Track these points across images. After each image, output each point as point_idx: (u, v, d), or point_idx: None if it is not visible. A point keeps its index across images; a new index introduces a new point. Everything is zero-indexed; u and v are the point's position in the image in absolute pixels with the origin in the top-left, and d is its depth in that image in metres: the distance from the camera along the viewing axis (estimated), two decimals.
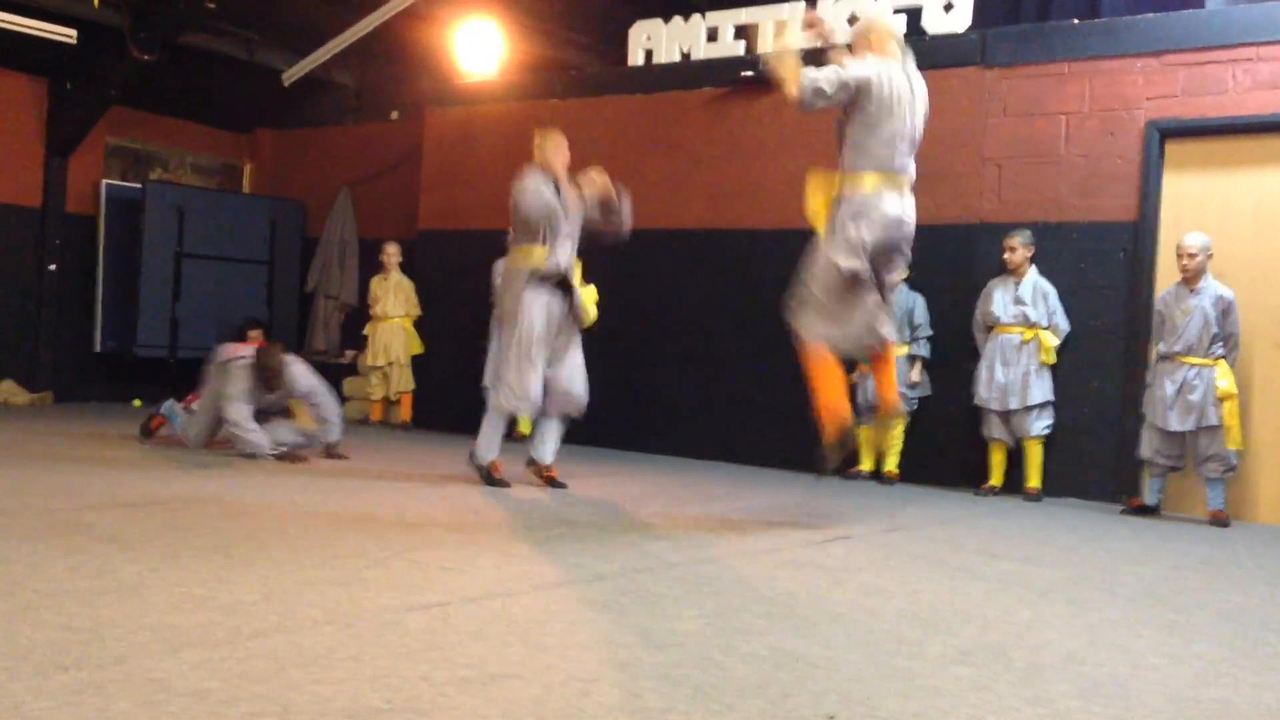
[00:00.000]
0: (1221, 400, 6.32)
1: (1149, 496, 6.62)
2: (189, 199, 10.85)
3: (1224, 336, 6.42)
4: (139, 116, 11.05)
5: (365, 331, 10.03)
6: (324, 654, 2.69)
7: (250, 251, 11.16)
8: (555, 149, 6.28)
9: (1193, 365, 6.41)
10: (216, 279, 10.89)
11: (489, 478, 6.17)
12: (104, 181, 10.76)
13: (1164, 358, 6.52)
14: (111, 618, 2.91)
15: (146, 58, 9.49)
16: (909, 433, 7.60)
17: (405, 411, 9.97)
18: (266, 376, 6.81)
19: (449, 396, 9.72)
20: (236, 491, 5.40)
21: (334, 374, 10.80)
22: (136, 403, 10.60)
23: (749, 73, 8.44)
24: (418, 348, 9.89)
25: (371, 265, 10.39)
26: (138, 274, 10.40)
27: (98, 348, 10.66)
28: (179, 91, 10.93)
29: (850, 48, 5.44)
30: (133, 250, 10.48)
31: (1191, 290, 6.46)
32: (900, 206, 5.24)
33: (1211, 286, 6.45)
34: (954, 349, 7.53)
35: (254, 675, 2.49)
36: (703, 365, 8.60)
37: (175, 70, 10.26)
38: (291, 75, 10.87)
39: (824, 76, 5.08)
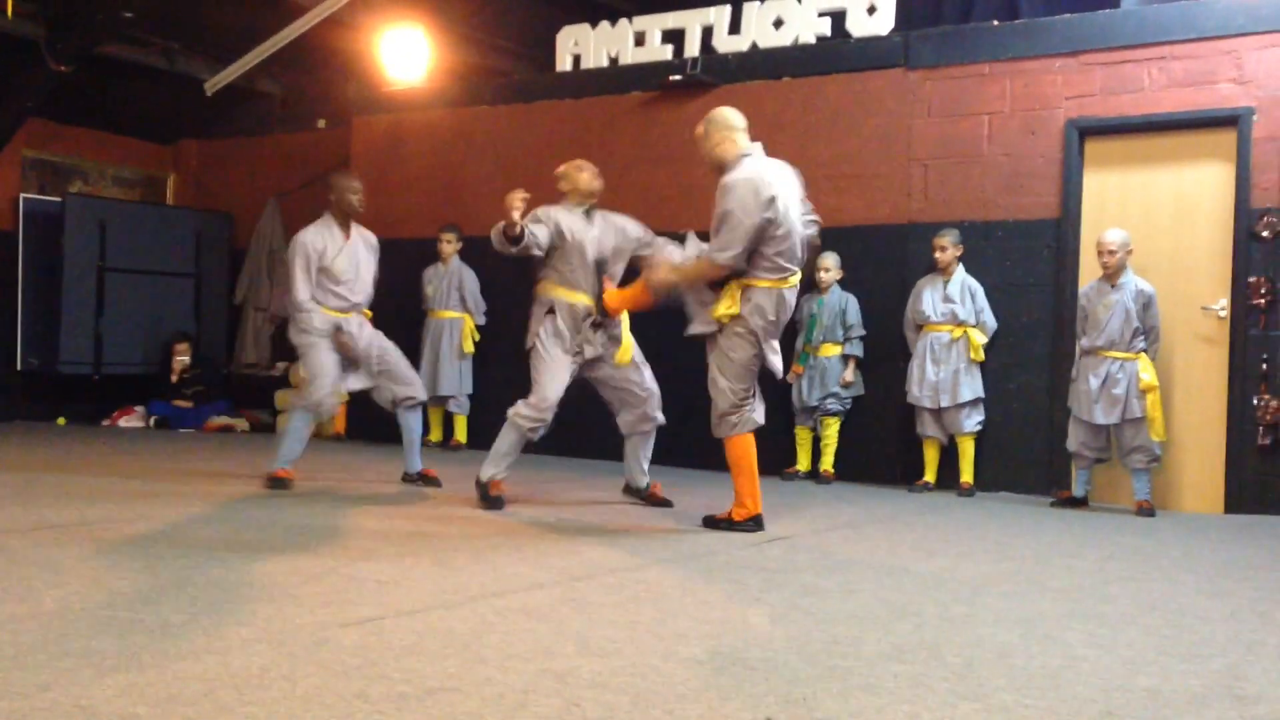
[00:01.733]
0: (1144, 392, 6.47)
1: (1077, 488, 6.75)
2: (111, 212, 10.65)
3: (1145, 330, 6.57)
4: (57, 129, 10.81)
5: None
6: (256, 674, 2.64)
7: (176, 264, 10.98)
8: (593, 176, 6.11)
9: (1115, 359, 6.54)
10: (141, 293, 10.69)
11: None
12: (22, 196, 10.51)
13: (1087, 352, 6.65)
14: (35, 644, 2.83)
15: (63, 69, 9.28)
16: (844, 432, 7.67)
17: (339, 423, 9.85)
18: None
19: (382, 407, 9.59)
20: (164, 512, 5.29)
21: (265, 387, 10.67)
22: (61, 421, 10.37)
23: (678, 76, 8.47)
24: None
25: None
26: (59, 289, 10.18)
27: (19, 366, 10.40)
28: (98, 103, 10.72)
29: (702, 146, 5.41)
30: (53, 265, 10.26)
31: (1113, 285, 6.60)
32: (794, 296, 5.37)
33: (1132, 281, 6.59)
34: (887, 348, 7.62)
35: (183, 699, 2.44)
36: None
37: (94, 81, 10.06)
38: (214, 84, 10.69)
39: (734, 238, 5.05)
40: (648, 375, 6.00)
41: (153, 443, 8.89)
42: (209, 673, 2.64)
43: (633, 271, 5.99)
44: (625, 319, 5.94)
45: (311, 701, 2.45)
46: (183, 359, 10.60)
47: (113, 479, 6.47)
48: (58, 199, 10.50)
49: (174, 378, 10.55)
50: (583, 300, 5.79)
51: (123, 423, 10.33)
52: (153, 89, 10.74)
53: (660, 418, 6.06)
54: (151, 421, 10.32)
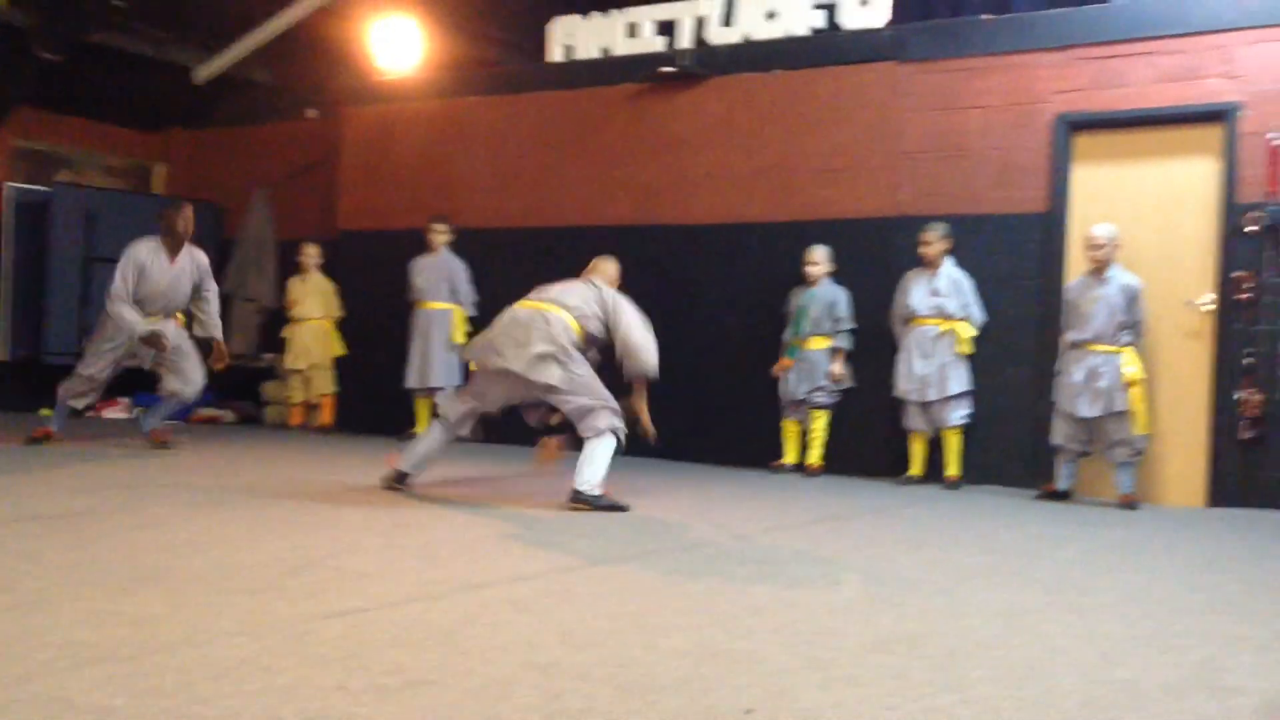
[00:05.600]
0: (1128, 386, 6.49)
1: (1062, 482, 6.77)
2: (98, 201, 10.58)
3: (1130, 324, 6.59)
4: (46, 117, 10.75)
5: (284, 334, 9.88)
6: (235, 666, 2.64)
7: None
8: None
9: (1101, 353, 6.56)
10: None
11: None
12: (8, 184, 10.44)
13: (1073, 345, 6.67)
14: (14, 635, 2.83)
15: (53, 58, 9.23)
16: (832, 425, 7.68)
17: (326, 415, 9.84)
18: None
19: (371, 399, 9.61)
20: (147, 504, 5.28)
21: (252, 378, 10.64)
22: (45, 412, 10.33)
23: (670, 68, 8.46)
24: (339, 349, 9.77)
25: (290, 267, 10.23)
26: (45, 279, 10.12)
27: (5, 356, 10.35)
28: (87, 92, 10.66)
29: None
30: (40, 254, 10.20)
31: (1099, 280, 6.61)
32: None
33: (1119, 276, 6.61)
34: (875, 341, 7.63)
35: (162, 690, 2.43)
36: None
37: (83, 70, 10.00)
38: (204, 74, 10.65)
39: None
40: None
41: (138, 434, 8.86)
42: (188, 664, 2.63)
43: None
44: None
45: (291, 693, 2.45)
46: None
47: (96, 470, 6.46)
48: (45, 188, 10.44)
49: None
50: None
51: (108, 414, 10.29)
52: (142, 78, 10.69)
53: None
54: (137, 412, 10.28)
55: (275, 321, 10.51)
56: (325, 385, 9.77)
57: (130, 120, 11.55)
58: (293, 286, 9.91)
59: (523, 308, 5.83)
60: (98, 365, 7.46)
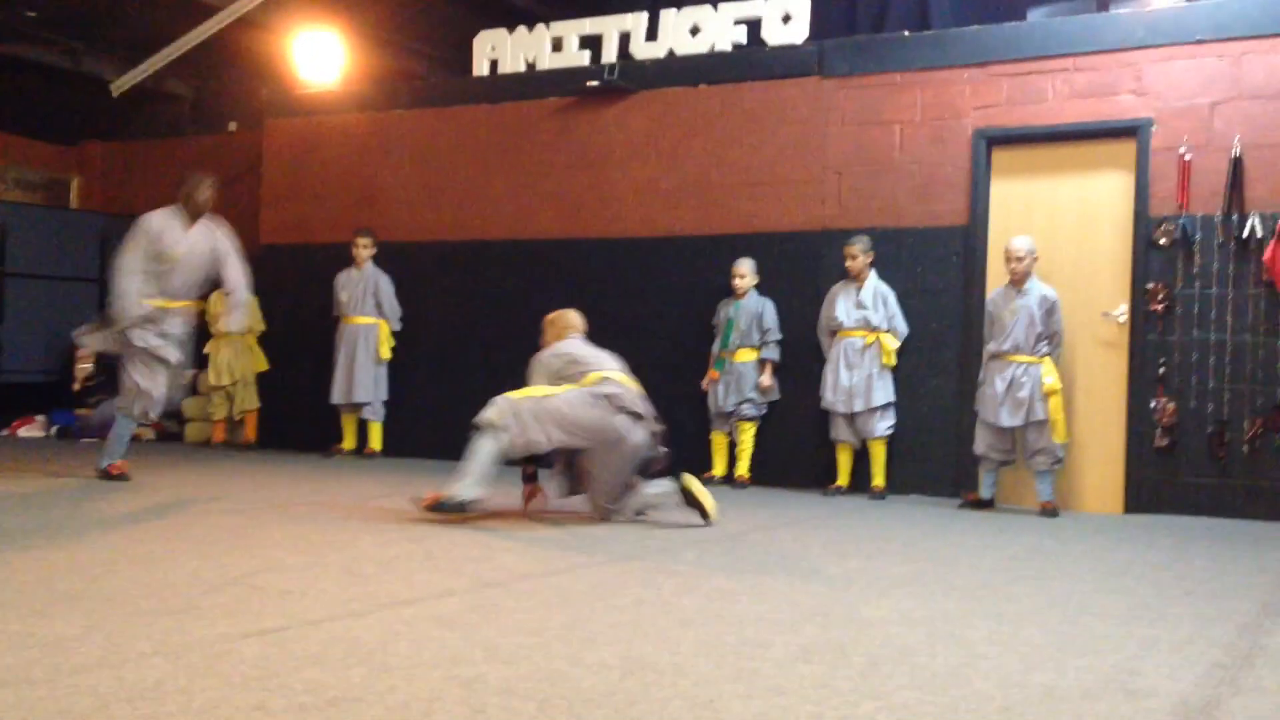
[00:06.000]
0: (1047, 396, 6.63)
1: (984, 490, 6.89)
2: (12, 216, 10.34)
3: (1049, 335, 6.73)
4: None
5: (206, 350, 9.69)
6: (151, 687, 2.58)
7: (80, 269, 10.71)
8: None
9: (1020, 363, 6.70)
10: (44, 298, 10.41)
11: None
12: None
13: (994, 356, 6.80)
14: None
15: None
16: (760, 436, 7.73)
17: (250, 431, 9.68)
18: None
19: (295, 415, 9.48)
20: (62, 523, 5.15)
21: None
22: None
23: (595, 82, 8.48)
24: (262, 365, 9.62)
25: (211, 282, 10.03)
26: None
27: None
28: (0, 104, 10.41)
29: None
30: None
31: (1019, 291, 6.75)
32: None
33: (1037, 287, 6.75)
34: (802, 354, 7.70)
35: (75, 713, 2.37)
36: None
37: None
38: (121, 85, 10.46)
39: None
40: None
41: (54, 453, 8.65)
42: (102, 686, 2.57)
43: None
44: None
45: (208, 714, 2.40)
46: (85, 366, 10.31)
47: (9, 490, 6.28)
48: None
49: (77, 386, 10.26)
50: None
51: (23, 432, 10.03)
52: (56, 90, 10.49)
53: None
54: (53, 431, 10.04)
55: (197, 337, 10.31)
56: (249, 401, 9.62)
57: (45, 133, 11.29)
58: (214, 301, 9.73)
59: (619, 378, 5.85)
60: (143, 373, 6.73)
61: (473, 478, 5.51)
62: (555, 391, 5.68)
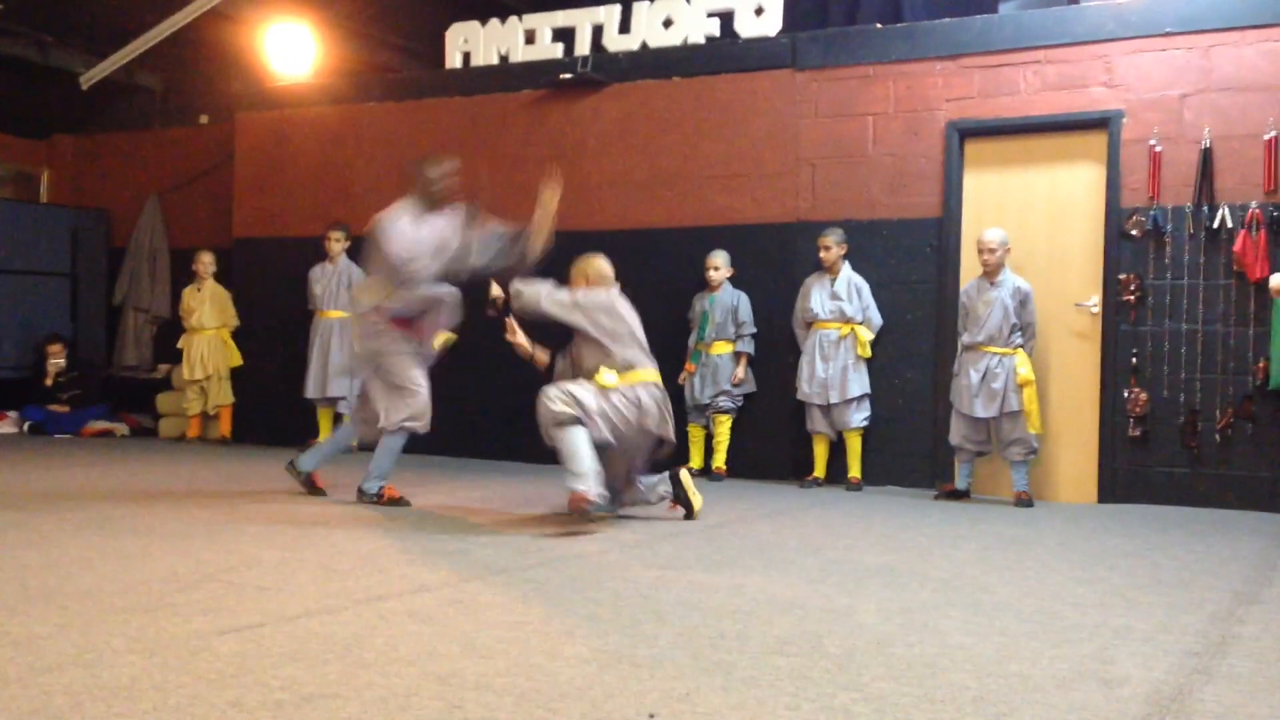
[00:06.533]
0: (1022, 386, 6.67)
1: (960, 481, 6.93)
2: None
3: (1022, 326, 6.77)
4: None
5: (180, 344, 9.64)
6: (126, 685, 2.56)
7: (50, 263, 10.61)
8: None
9: (994, 354, 6.74)
10: (13, 293, 10.32)
11: None
12: None
13: (968, 348, 6.83)
14: None
15: None
16: (736, 429, 7.75)
17: (224, 426, 9.63)
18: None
19: (270, 410, 9.43)
20: (34, 520, 5.10)
21: (147, 390, 10.37)
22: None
23: (568, 75, 8.46)
24: (236, 359, 9.56)
25: (184, 275, 9.99)
26: None
27: None
28: None
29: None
30: None
31: (992, 283, 6.79)
32: None
33: (1010, 279, 6.79)
34: (777, 346, 7.72)
35: (49, 712, 2.36)
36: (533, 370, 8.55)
37: None
38: (90, 78, 10.36)
39: None
40: None
41: (26, 449, 8.57)
42: (76, 685, 2.55)
43: None
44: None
45: (183, 712, 2.39)
46: (57, 361, 10.23)
47: None
48: None
49: (48, 381, 10.18)
50: None
51: None
52: (25, 82, 10.36)
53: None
54: (25, 427, 9.95)
55: (170, 332, 10.26)
56: (223, 396, 9.56)
57: (13, 126, 11.16)
58: (187, 296, 9.68)
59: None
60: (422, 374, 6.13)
61: (592, 476, 5.22)
62: (600, 386, 5.45)
